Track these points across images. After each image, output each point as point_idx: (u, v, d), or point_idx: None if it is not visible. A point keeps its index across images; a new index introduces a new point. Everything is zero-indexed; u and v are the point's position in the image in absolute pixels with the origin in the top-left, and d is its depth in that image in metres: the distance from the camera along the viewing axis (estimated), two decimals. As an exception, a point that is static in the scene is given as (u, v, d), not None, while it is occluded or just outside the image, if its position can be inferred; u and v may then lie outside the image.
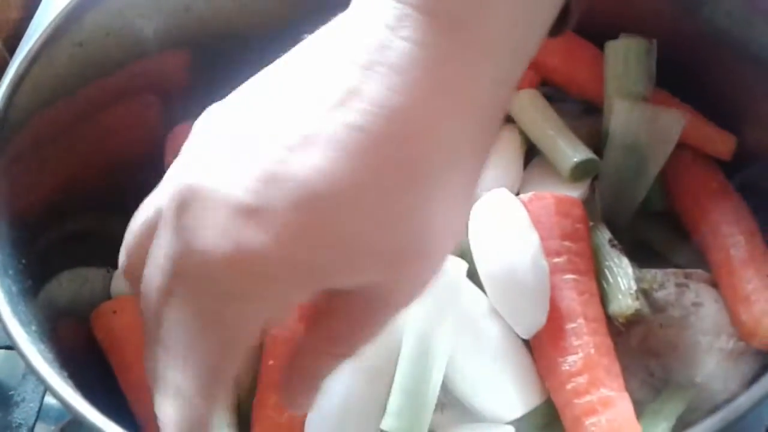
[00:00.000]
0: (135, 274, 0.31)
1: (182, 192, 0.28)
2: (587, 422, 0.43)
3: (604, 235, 0.50)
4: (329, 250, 0.27)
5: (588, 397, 0.43)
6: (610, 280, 0.48)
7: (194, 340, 0.28)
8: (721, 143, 0.54)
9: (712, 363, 0.48)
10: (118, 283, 0.56)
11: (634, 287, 0.47)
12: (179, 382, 0.28)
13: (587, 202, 0.52)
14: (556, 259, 0.47)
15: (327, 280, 0.28)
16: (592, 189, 0.54)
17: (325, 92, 0.27)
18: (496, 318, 0.47)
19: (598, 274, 0.48)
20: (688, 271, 0.50)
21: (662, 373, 0.48)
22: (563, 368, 0.44)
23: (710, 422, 0.33)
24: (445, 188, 0.28)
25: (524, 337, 0.46)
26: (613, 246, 0.49)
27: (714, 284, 0.50)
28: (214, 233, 0.26)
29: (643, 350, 0.48)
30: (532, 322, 0.46)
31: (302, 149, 0.26)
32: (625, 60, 0.54)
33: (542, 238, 0.47)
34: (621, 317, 0.47)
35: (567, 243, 0.48)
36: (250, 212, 0.26)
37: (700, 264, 0.51)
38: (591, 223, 0.50)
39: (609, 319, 0.47)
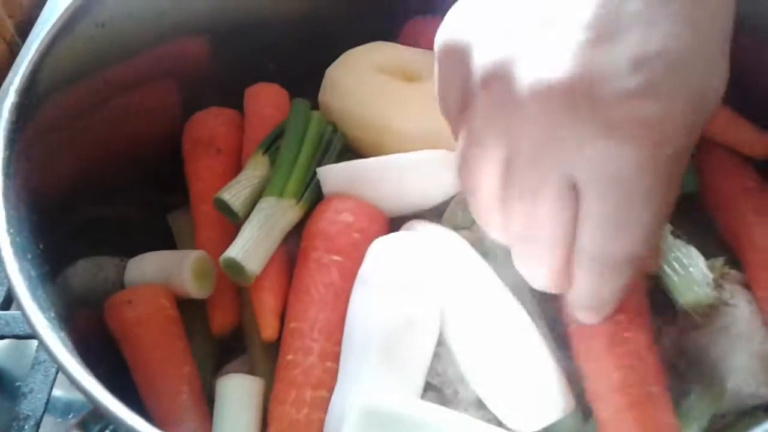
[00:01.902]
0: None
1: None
2: (629, 414, 0.41)
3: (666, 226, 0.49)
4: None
5: (632, 390, 0.42)
6: (681, 271, 0.46)
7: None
8: (756, 141, 0.53)
9: (745, 366, 0.46)
10: (132, 272, 0.54)
11: (711, 276, 0.45)
12: None
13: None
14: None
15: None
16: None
17: None
18: (519, 313, 0.46)
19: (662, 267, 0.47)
20: (722, 271, 0.49)
21: (693, 375, 0.47)
22: (609, 357, 0.43)
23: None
24: None
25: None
26: (677, 237, 0.47)
27: (748, 285, 0.49)
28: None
29: (675, 351, 0.47)
30: None
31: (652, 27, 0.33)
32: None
33: None
34: (699, 308, 0.45)
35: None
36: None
37: (716, 254, 0.49)
38: None
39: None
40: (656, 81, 0.33)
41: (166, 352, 0.50)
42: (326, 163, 0.54)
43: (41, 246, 0.42)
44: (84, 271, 0.49)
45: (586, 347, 0.45)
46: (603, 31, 0.33)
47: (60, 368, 0.33)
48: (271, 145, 0.55)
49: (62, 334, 0.36)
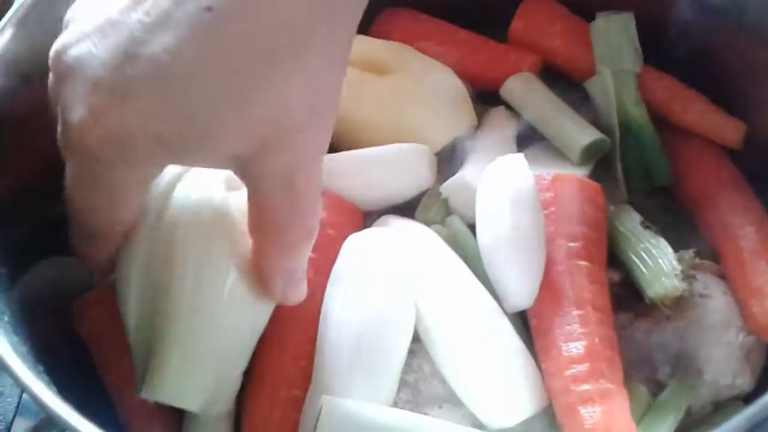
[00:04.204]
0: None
1: (58, 69, 0.34)
2: (582, 410, 0.41)
3: (634, 217, 0.48)
4: (179, 122, 0.31)
5: (586, 386, 0.42)
6: (650, 262, 0.46)
7: (78, 197, 0.37)
8: (731, 131, 0.52)
9: (721, 358, 0.46)
10: (103, 272, 0.53)
11: (678, 267, 0.45)
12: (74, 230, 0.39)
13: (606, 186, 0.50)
14: (571, 244, 0.46)
15: (186, 150, 0.33)
16: (610, 172, 0.52)
17: None
18: (494, 308, 0.45)
19: (630, 258, 0.46)
20: (696, 261, 0.48)
21: (668, 367, 0.46)
22: (564, 354, 0.43)
23: (736, 421, 0.31)
24: (298, 66, 0.32)
25: (509, 310, 0.45)
26: (646, 228, 0.47)
27: (723, 276, 0.49)
28: (81, 108, 0.32)
29: (649, 344, 0.46)
30: (522, 293, 0.45)
31: (159, 30, 0.30)
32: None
33: (561, 220, 0.46)
34: (667, 300, 0.45)
35: (585, 229, 0.46)
36: (109, 87, 0.31)
37: (695, 246, 0.49)
38: (612, 207, 0.49)
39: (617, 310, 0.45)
40: (129, 82, 0.31)
41: (136, 355, 0.49)
42: (298, 158, 0.53)
43: (-2, 247, 0.41)
44: (49, 272, 0.48)
45: (543, 343, 0.44)
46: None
47: (9, 374, 0.32)
48: (241, 141, 0.54)
49: (15, 338, 0.35)
